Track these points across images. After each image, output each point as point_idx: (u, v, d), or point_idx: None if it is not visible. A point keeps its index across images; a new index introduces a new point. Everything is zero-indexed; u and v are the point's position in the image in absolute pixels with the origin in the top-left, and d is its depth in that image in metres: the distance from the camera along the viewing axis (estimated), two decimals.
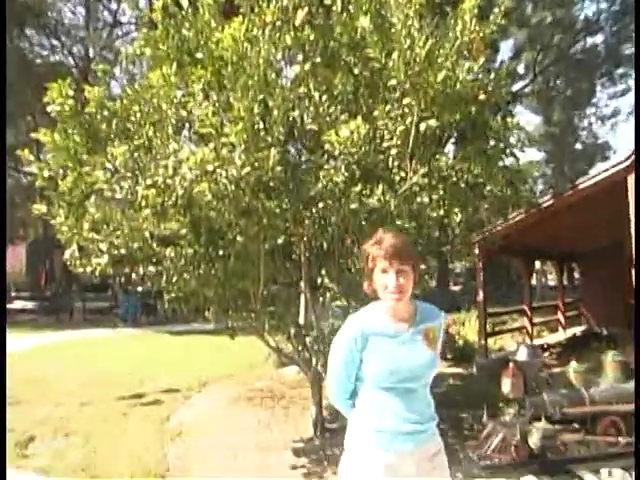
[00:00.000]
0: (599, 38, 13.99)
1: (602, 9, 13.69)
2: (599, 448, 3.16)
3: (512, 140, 3.88)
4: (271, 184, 3.45)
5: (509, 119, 3.87)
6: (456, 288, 21.77)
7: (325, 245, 4.22)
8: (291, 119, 3.70)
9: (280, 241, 4.13)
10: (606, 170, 5.84)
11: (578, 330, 10.56)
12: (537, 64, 13.44)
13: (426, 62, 3.25)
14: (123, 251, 3.64)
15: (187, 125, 3.78)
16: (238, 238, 3.60)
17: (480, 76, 3.63)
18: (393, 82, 3.46)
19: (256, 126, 3.22)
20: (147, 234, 3.81)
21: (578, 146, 18.63)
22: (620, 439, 3.14)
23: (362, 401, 1.82)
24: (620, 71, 14.61)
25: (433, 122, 3.49)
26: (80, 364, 8.28)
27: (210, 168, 3.14)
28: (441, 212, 3.99)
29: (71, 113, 3.82)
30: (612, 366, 3.45)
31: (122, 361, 8.71)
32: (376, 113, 3.56)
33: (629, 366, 3.45)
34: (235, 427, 4.98)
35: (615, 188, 5.53)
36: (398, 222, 3.84)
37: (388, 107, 3.58)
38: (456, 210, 3.99)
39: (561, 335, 10.25)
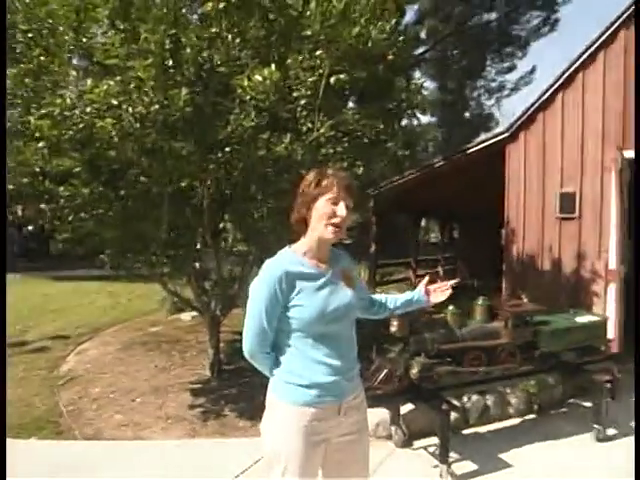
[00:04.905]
0: (493, 16, 14.93)
1: None
2: (464, 377, 3.68)
3: (414, 102, 4.12)
4: (178, 125, 3.36)
5: (412, 81, 4.10)
6: (348, 241, 22.83)
7: (229, 190, 4.23)
8: (201, 59, 3.57)
9: (183, 184, 4.08)
10: (490, 138, 6.45)
11: (453, 282, 11.74)
12: (438, 32, 14.10)
13: (342, 16, 3.31)
14: (10, 186, 3.35)
15: (87, 54, 3.47)
16: (142, 179, 3.48)
17: (390, 37, 3.76)
18: (308, 32, 3.48)
19: (166, 62, 3.08)
20: (37, 169, 3.53)
21: (467, 115, 19.96)
22: (480, 369, 3.69)
23: (285, 353, 1.73)
24: (508, 50, 15.83)
25: (344, 76, 3.59)
26: None
27: (115, 102, 2.97)
28: (344, 164, 4.18)
29: None
30: (480, 309, 4.00)
31: None
32: (289, 61, 3.57)
33: (493, 309, 4.02)
34: (131, 371, 4.95)
35: (496, 157, 6.17)
36: (303, 171, 3.96)
37: (301, 57, 3.61)
38: (358, 163, 4.19)
39: None
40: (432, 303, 2.14)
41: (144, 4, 2.89)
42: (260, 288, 1.69)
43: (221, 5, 3.49)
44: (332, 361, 1.70)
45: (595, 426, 3.74)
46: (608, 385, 4.00)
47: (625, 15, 5.33)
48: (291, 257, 1.74)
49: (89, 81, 2.91)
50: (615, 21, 5.40)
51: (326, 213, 1.67)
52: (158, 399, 4.27)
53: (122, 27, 2.97)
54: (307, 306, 1.67)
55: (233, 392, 4.54)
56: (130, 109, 3.00)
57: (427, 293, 2.09)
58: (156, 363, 5.21)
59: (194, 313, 7.00)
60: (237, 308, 5.67)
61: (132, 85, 2.95)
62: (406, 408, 3.71)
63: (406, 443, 3.63)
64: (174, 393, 4.42)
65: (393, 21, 3.63)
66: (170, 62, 3.19)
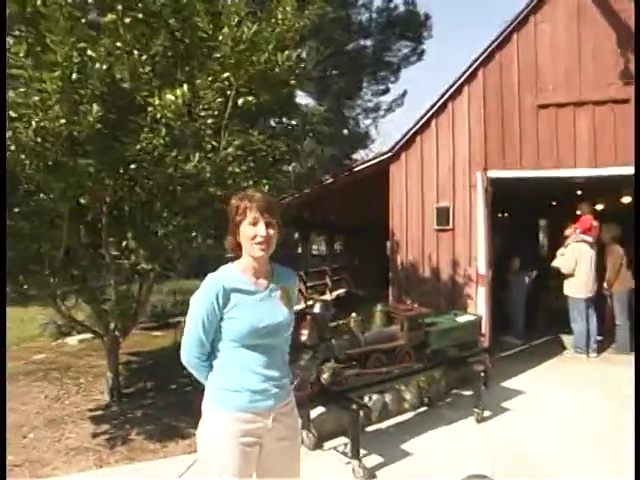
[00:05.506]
0: (369, 42, 16.22)
1: (373, 18, 15.90)
2: (368, 378, 4.00)
3: (314, 124, 4.42)
4: (85, 141, 3.23)
5: (312, 103, 4.39)
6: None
7: (132, 208, 4.12)
8: (106, 75, 3.48)
9: (83, 201, 3.89)
10: (375, 157, 7.03)
11: (341, 292, 12.38)
12: (318, 54, 14.87)
13: (251, 43, 3.47)
14: None
15: None
16: (41, 195, 3.27)
17: (294, 64, 3.99)
18: (217, 55, 3.58)
19: (72, 76, 2.96)
20: None
21: (345, 132, 21.06)
22: (382, 369, 4.05)
23: (221, 361, 1.84)
24: (382, 74, 17.21)
25: (252, 98, 3.75)
26: None
27: (14, 115, 2.79)
28: (250, 182, 4.31)
29: None
30: (379, 315, 4.39)
31: None
32: (198, 82, 3.63)
33: (389, 314, 4.43)
34: (17, 405, 4.48)
35: (381, 175, 6.74)
36: (210, 189, 4.02)
37: (210, 78, 3.69)
38: (264, 182, 4.35)
39: (328, 296, 11.87)
40: None
41: (53, 14, 2.76)
42: (199, 301, 1.82)
43: (127, 20, 3.47)
44: (264, 370, 1.83)
45: (475, 410, 4.32)
46: (482, 375, 4.64)
47: (483, 56, 6.25)
48: (231, 272, 1.87)
49: None
50: (475, 60, 6.29)
51: (249, 236, 1.82)
52: (55, 432, 3.95)
53: (27, 37, 2.80)
54: (241, 319, 1.80)
55: (138, 415, 4.37)
56: (33, 122, 2.83)
57: None
58: (46, 393, 4.79)
59: (82, 336, 6.55)
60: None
61: (36, 98, 2.80)
62: (314, 413, 3.92)
63: (317, 445, 3.84)
64: (72, 423, 4.12)
65: (299, 50, 3.89)
66: (75, 76, 3.08)
